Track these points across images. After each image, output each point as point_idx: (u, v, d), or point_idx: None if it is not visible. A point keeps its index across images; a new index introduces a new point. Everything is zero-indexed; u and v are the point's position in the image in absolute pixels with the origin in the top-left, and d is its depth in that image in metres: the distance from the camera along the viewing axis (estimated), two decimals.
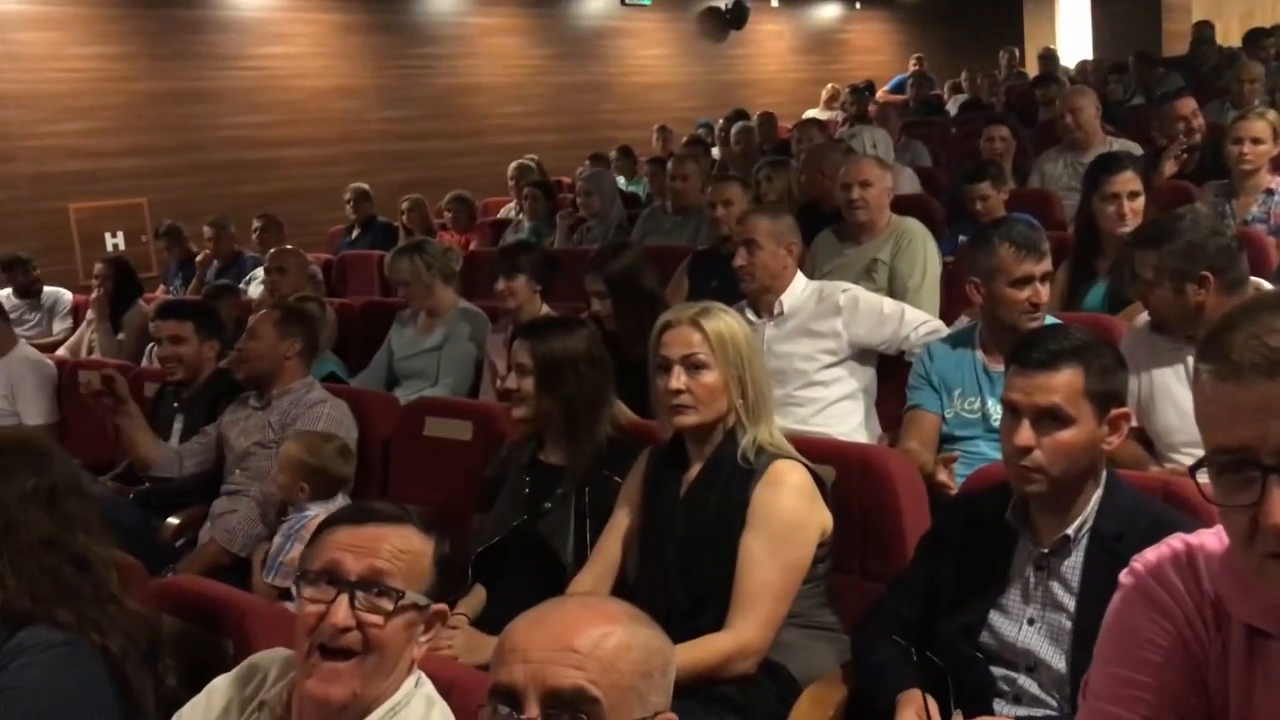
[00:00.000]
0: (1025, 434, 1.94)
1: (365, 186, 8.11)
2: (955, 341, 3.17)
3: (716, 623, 2.27)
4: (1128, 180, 3.80)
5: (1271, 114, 4.48)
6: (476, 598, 2.76)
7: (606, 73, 12.61)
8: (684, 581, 2.36)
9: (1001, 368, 2.97)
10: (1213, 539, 1.25)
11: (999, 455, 2.87)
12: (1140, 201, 3.81)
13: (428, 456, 3.50)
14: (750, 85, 14.09)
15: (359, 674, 1.60)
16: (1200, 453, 2.66)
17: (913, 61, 13.10)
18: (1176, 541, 1.27)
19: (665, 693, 1.37)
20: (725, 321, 2.40)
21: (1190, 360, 2.68)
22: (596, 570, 2.54)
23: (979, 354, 3.07)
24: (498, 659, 1.35)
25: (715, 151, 9.21)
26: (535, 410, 2.76)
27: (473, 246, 7.30)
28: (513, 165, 8.42)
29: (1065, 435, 1.94)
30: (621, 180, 8.72)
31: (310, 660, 1.60)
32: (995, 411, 2.97)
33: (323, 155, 10.04)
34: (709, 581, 2.32)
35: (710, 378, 2.35)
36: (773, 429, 2.43)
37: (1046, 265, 2.98)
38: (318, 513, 3.00)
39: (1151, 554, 1.29)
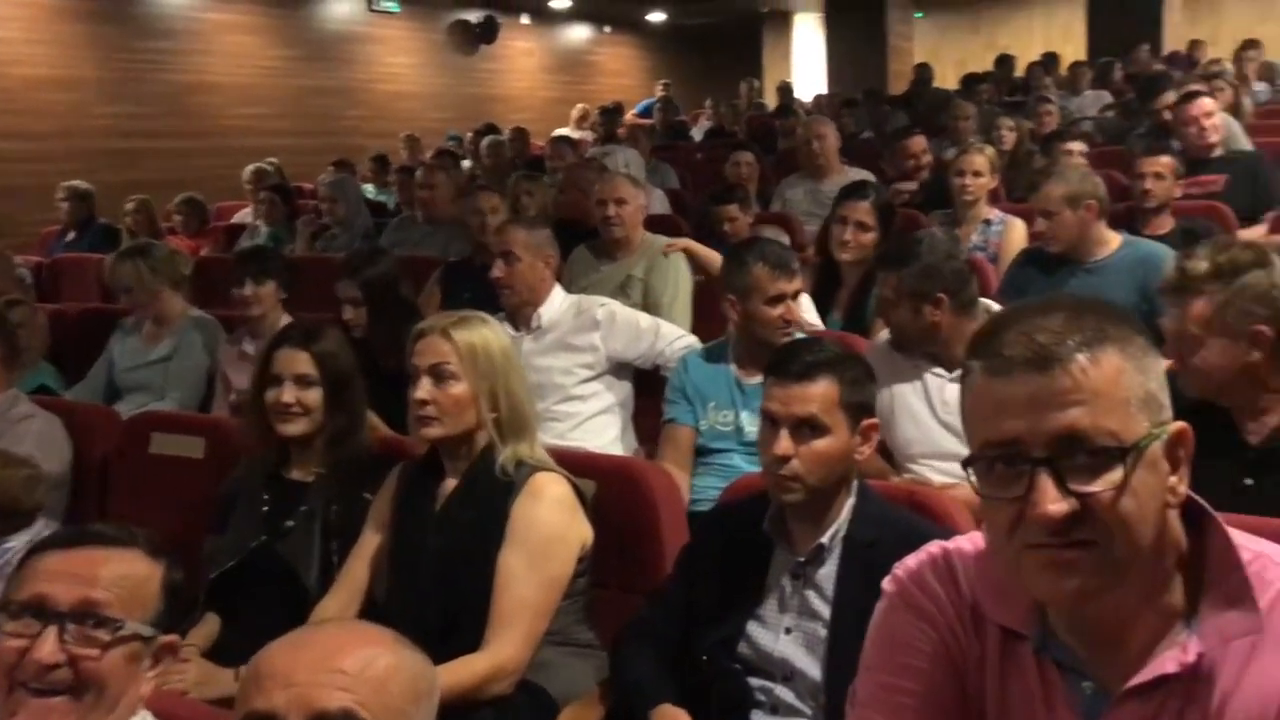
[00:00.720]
0: (784, 443, 1.97)
1: (82, 185, 7.46)
2: (710, 355, 3.22)
3: (473, 643, 2.19)
4: (862, 210, 3.94)
5: (990, 150, 4.83)
6: (209, 627, 2.56)
7: (352, 78, 12.25)
8: (439, 601, 2.27)
9: (755, 381, 3.06)
10: (968, 544, 1.28)
11: (752, 467, 2.94)
12: (868, 236, 3.91)
13: (154, 476, 3.21)
14: (500, 100, 14.07)
15: (73, 712, 1.43)
16: (939, 463, 2.79)
17: (659, 87, 13.43)
18: (935, 548, 1.30)
19: (430, 717, 1.30)
20: (480, 333, 2.33)
21: (928, 376, 2.82)
22: (343, 593, 2.41)
23: (733, 368, 3.13)
24: (251, 687, 1.23)
25: (465, 164, 9.11)
26: (318, 424, 2.60)
27: (204, 252, 6.89)
28: (249, 169, 8.03)
29: (821, 444, 1.98)
30: (370, 189, 8.48)
31: (13, 697, 1.42)
32: (748, 424, 3.04)
33: (36, 150, 9.22)
34: (465, 600, 2.24)
35: (458, 389, 2.28)
36: (533, 442, 2.38)
37: (798, 283, 3.09)
38: (17, 545, 2.68)
39: (912, 561, 1.31)
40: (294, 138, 11.14)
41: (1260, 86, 8.56)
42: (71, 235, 7.32)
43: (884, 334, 2.97)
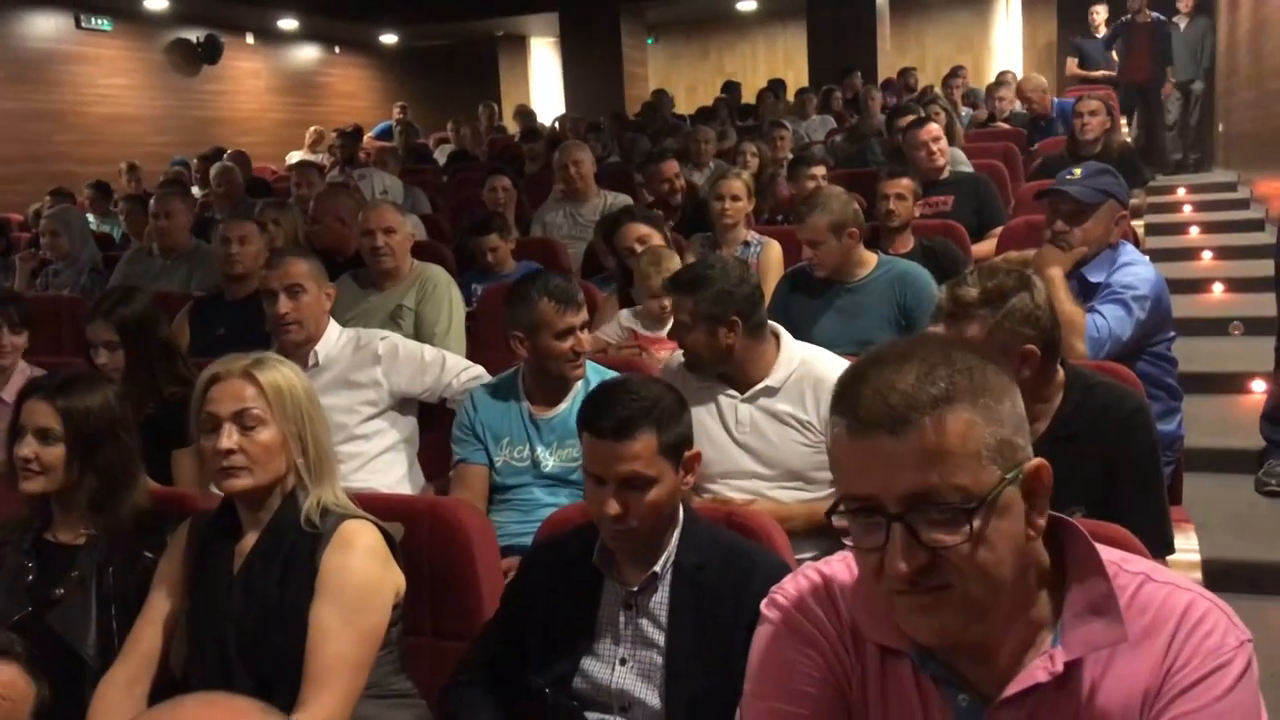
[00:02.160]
0: (613, 504, 1.95)
1: None
2: (498, 390, 3.14)
3: (287, 706, 2.05)
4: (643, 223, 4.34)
5: (746, 174, 5.03)
6: None
7: (62, 101, 11.36)
8: (246, 664, 2.13)
9: (549, 415, 3.04)
10: (842, 567, 1.32)
11: (554, 499, 2.93)
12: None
13: None
14: (227, 123, 13.42)
15: None
16: (736, 481, 2.84)
17: (396, 109, 13.20)
18: (812, 572, 1.33)
19: None
20: (282, 373, 2.22)
21: (721, 398, 2.89)
22: (132, 664, 2.22)
23: (525, 404, 3.07)
24: None
25: (196, 190, 8.63)
26: (61, 483, 2.39)
27: None
28: None
29: (651, 495, 1.97)
30: (91, 219, 7.88)
31: None
32: (545, 458, 3.00)
33: None
34: (276, 661, 2.11)
35: (267, 435, 2.16)
36: (336, 488, 2.28)
37: (584, 315, 3.06)
38: None
39: (790, 586, 1.33)
40: None
41: (965, 111, 9.32)
42: None
43: (677, 355, 3.01)
